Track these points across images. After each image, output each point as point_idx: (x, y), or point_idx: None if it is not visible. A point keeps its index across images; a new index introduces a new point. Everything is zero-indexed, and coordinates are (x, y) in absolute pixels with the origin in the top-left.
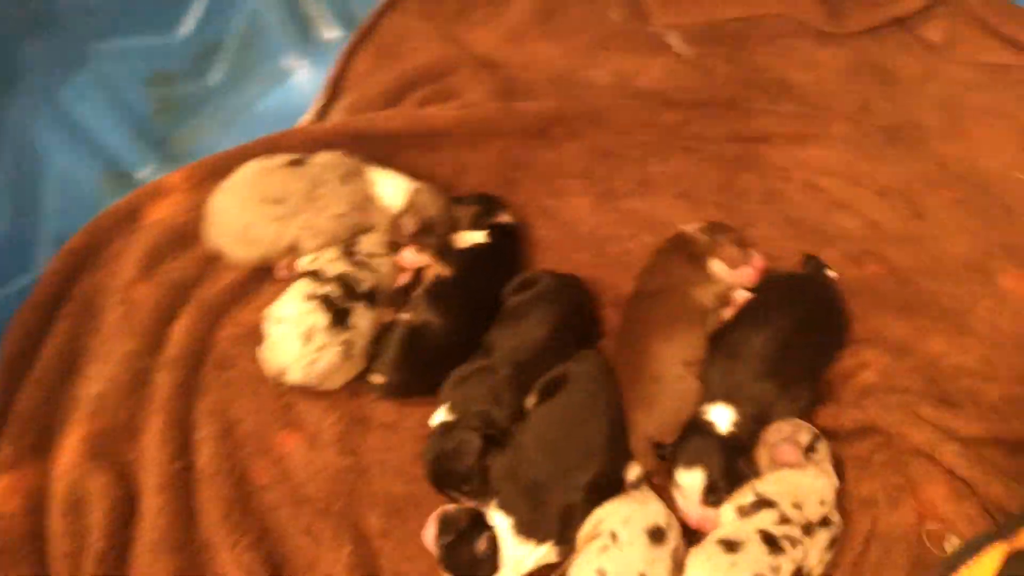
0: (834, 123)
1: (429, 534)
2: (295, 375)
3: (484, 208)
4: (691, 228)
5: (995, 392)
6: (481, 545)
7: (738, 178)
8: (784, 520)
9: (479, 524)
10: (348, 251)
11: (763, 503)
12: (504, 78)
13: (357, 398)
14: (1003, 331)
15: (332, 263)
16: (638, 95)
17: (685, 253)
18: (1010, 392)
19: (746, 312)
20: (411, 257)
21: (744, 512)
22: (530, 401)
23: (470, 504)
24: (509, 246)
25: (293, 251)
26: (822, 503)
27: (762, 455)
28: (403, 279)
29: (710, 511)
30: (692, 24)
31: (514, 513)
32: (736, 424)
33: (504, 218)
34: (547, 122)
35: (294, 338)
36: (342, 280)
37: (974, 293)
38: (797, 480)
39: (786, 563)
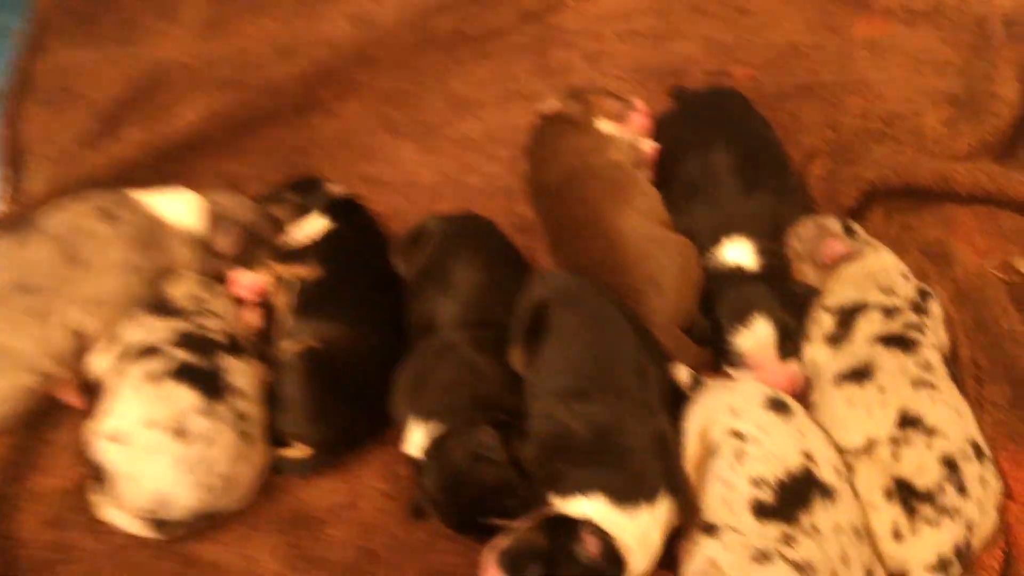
0: None
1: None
2: (185, 501)
3: (303, 191)
4: (553, 105)
5: None
6: (589, 548)
7: (551, 56)
8: (888, 312)
9: (562, 528)
10: (160, 308)
11: (851, 313)
12: (222, 73)
13: (282, 497)
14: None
15: (149, 332)
16: (392, 23)
17: (568, 127)
18: None
19: (679, 147)
20: (249, 280)
21: (836, 338)
22: (517, 357)
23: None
24: (361, 219)
25: (77, 353)
26: (905, 276)
27: (805, 271)
28: (251, 319)
29: (792, 364)
30: None
31: (598, 485)
32: (761, 252)
33: (336, 190)
34: (311, 88)
35: (160, 444)
36: (184, 337)
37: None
38: (863, 268)
39: (930, 353)
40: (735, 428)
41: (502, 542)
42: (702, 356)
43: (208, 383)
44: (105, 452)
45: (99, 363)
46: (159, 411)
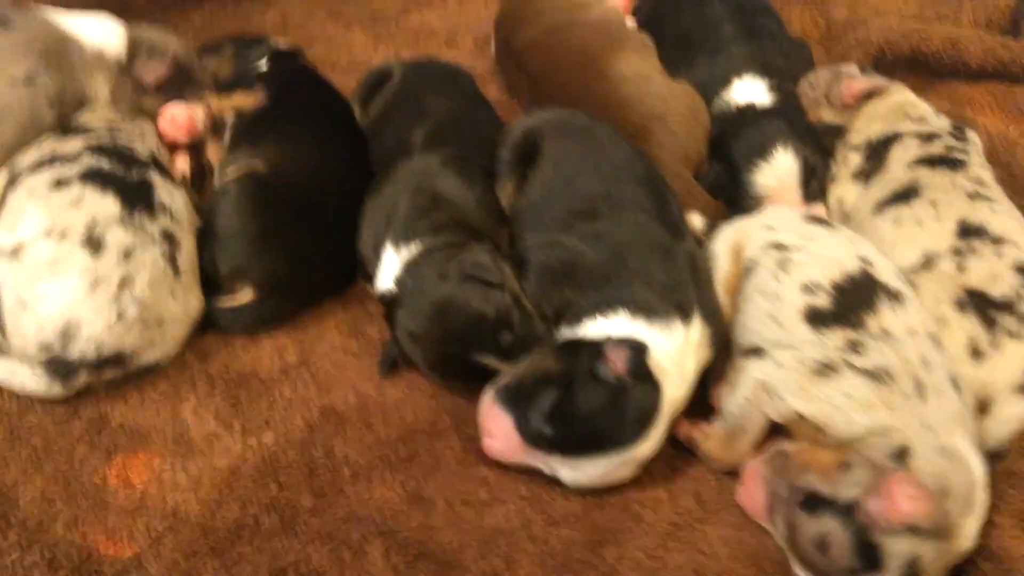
0: None
1: (496, 422)
2: (93, 328)
3: (241, 45)
4: None
5: None
6: (615, 363)
7: None
8: (926, 137)
9: (579, 350)
10: (67, 130)
11: (882, 145)
12: None
13: (220, 357)
14: None
15: (53, 149)
16: None
17: None
18: None
19: (667, 5)
20: (180, 112)
21: (867, 172)
22: (505, 189)
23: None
24: (307, 73)
25: None
26: (935, 113)
27: (823, 116)
28: (180, 165)
29: (818, 207)
30: None
31: (621, 302)
32: (774, 88)
33: (281, 43)
34: None
35: (64, 256)
36: (98, 148)
37: None
38: (889, 102)
39: (981, 172)
40: (775, 240)
41: (504, 378)
42: (714, 208)
43: (130, 193)
44: None
45: None
46: (64, 218)
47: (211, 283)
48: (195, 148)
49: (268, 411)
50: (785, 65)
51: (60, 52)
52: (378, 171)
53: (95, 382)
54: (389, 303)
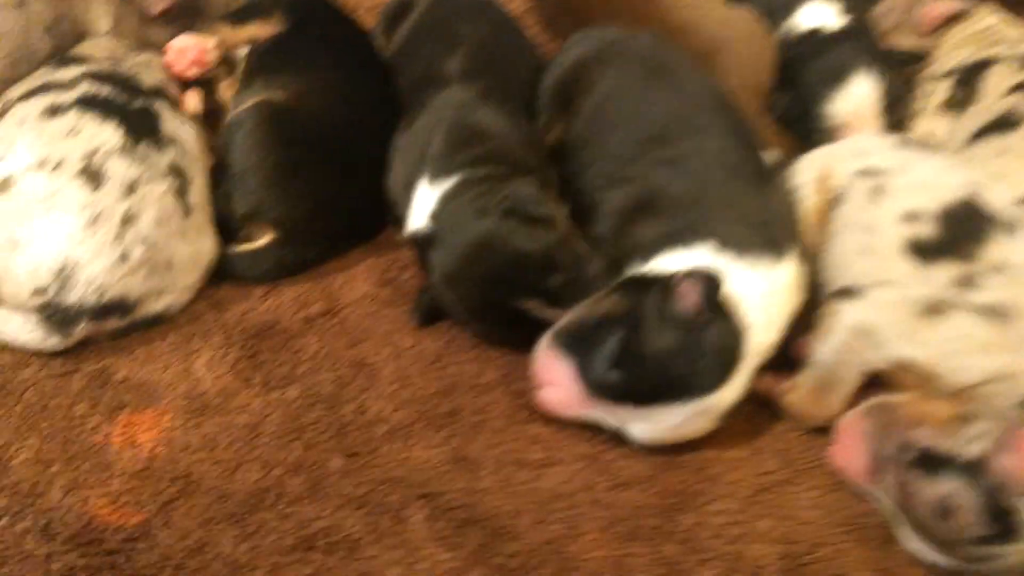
0: None
1: (553, 370)
2: (93, 269)
3: None
4: None
5: None
6: (686, 297)
7: None
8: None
9: (647, 286)
10: (64, 61)
11: (972, 72)
12: None
13: (236, 307)
14: None
15: (47, 78)
16: None
17: None
18: None
19: None
20: (191, 45)
21: (958, 102)
22: (553, 125)
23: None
24: (326, 2)
25: None
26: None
27: (900, 40)
28: (190, 102)
29: None
30: None
31: (705, 232)
32: (845, 11)
33: None
34: None
35: (59, 188)
36: (98, 74)
37: None
38: (976, 26)
39: None
40: (867, 166)
41: (562, 321)
42: (785, 142)
43: (133, 121)
44: None
45: None
46: (59, 148)
47: (226, 227)
48: (206, 86)
49: (291, 364)
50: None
51: None
52: (406, 104)
53: (96, 333)
54: (423, 244)
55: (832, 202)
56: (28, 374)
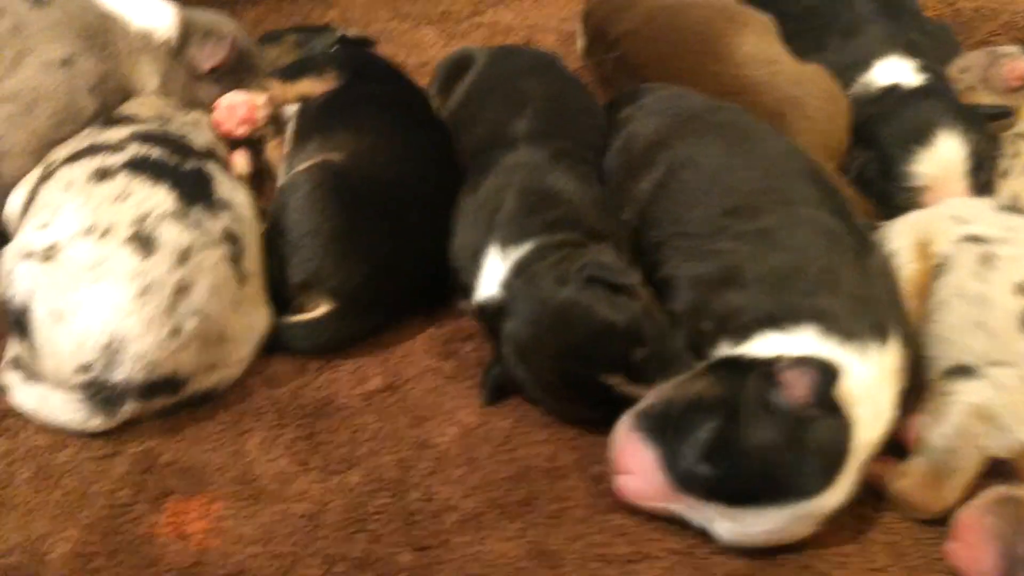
0: None
1: (635, 456)
2: (141, 345)
3: (305, 34)
4: None
5: None
6: (793, 387)
7: None
8: None
9: (745, 370)
10: (111, 121)
11: None
12: None
13: (290, 382)
14: None
15: (93, 139)
16: None
17: None
18: None
19: None
20: (238, 99)
21: None
22: (626, 194)
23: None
24: (380, 60)
25: None
26: None
27: (980, 98)
28: (238, 163)
29: None
30: None
31: (805, 313)
32: (922, 69)
33: (348, 33)
34: None
35: (108, 256)
36: (147, 135)
37: None
38: None
39: None
40: (971, 233)
41: (645, 402)
42: (863, 205)
43: (186, 184)
44: (22, 280)
45: (15, 200)
46: (108, 213)
47: (279, 295)
48: (253, 146)
49: (351, 445)
50: (930, 45)
51: (102, 33)
52: (468, 166)
53: (142, 412)
54: (493, 314)
55: (934, 270)
56: (66, 456)
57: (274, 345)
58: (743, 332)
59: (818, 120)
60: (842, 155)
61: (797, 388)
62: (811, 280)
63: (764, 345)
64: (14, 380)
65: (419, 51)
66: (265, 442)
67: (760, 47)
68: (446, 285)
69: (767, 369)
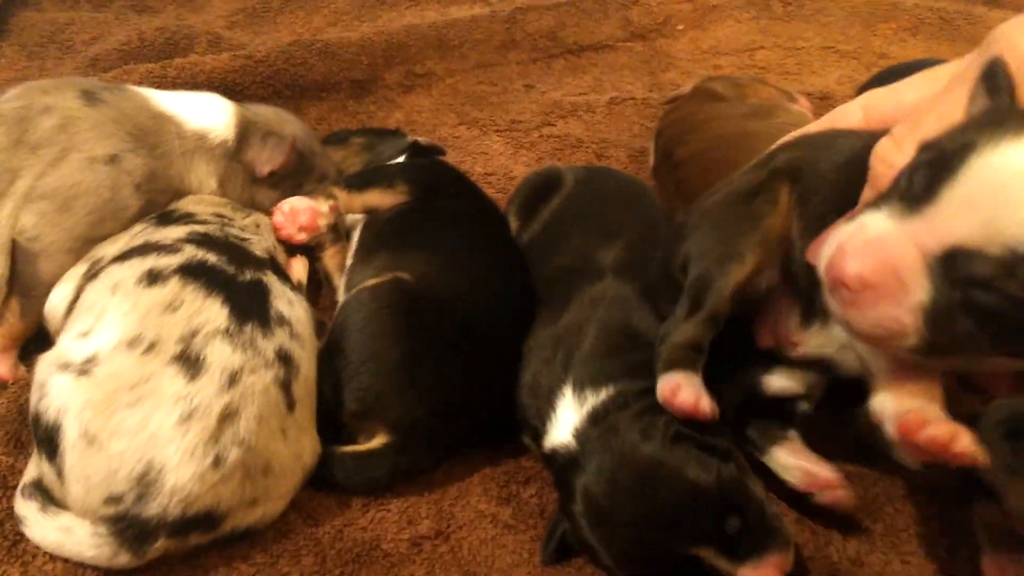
0: None
1: None
2: (179, 478)
3: (372, 137)
4: (712, 83)
5: None
6: None
7: (659, 76)
8: None
9: None
10: (164, 219)
11: None
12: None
13: (335, 521)
14: None
15: (145, 237)
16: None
17: (715, 100)
18: None
19: None
20: (304, 207)
21: None
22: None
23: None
24: (455, 173)
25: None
26: None
27: None
28: (296, 270)
29: None
30: None
31: None
32: None
33: (420, 139)
34: (374, 65)
35: (148, 375)
36: (203, 236)
37: None
38: None
39: None
40: None
41: None
42: None
43: (241, 298)
44: (57, 394)
45: (57, 297)
46: (155, 325)
47: (329, 421)
48: (308, 253)
49: None
50: None
51: (153, 132)
52: (544, 295)
53: (174, 550)
54: (564, 464)
55: None
56: None
57: (321, 479)
58: None
59: None
60: None
61: None
62: None
63: None
64: (30, 511)
65: (485, 160)
66: None
67: None
68: (510, 420)
69: None
